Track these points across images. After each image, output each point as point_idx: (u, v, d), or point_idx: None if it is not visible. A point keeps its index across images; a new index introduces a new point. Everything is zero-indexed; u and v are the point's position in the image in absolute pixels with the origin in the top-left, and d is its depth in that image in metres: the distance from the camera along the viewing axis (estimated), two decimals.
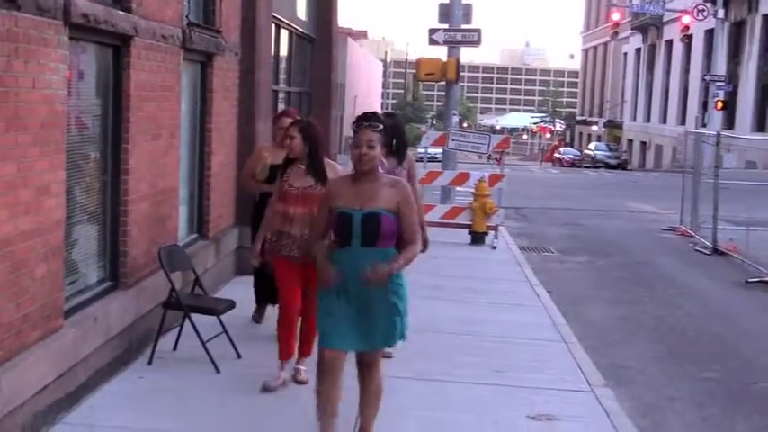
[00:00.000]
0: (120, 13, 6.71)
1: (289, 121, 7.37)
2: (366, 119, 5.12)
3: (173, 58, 8.01)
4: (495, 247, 14.22)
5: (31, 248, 5.47)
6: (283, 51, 13.91)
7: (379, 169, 5.24)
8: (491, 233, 14.47)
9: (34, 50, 5.33)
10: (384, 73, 73.65)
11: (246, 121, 10.61)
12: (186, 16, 8.39)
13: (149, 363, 6.94)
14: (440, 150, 18.12)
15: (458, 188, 16.43)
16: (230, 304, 7.23)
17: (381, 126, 5.11)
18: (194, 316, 7.06)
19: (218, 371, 6.81)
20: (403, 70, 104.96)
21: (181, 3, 8.17)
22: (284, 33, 13.69)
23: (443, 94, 19.20)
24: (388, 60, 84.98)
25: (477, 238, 14.39)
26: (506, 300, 10.35)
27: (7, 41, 5.00)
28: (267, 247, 6.69)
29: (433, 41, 17.27)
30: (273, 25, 12.21)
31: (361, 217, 5.01)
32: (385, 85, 75.54)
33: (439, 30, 17.23)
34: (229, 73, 10.11)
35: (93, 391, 6.27)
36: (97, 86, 6.92)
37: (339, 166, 6.76)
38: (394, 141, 7.12)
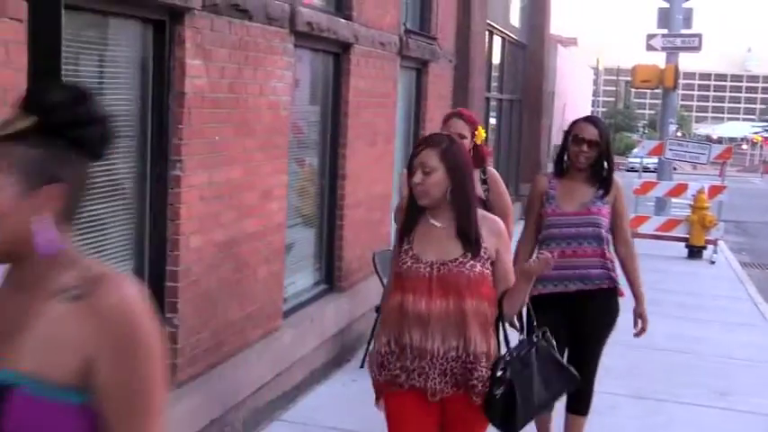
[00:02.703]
0: (342, 21, 6.85)
1: (461, 123, 5.11)
2: None
3: (390, 65, 8.10)
4: (713, 262, 13.52)
5: (255, 250, 5.65)
6: (496, 58, 13.85)
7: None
8: (710, 247, 13.78)
9: (262, 58, 5.51)
10: (595, 81, 72.15)
11: None
12: (403, 24, 8.47)
13: (361, 366, 7.00)
14: (654, 160, 17.47)
15: (673, 199, 15.76)
16: None
17: None
18: None
19: None
20: (614, 77, 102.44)
21: (398, 10, 8.26)
22: (497, 40, 13.63)
23: (656, 102, 18.62)
24: (600, 68, 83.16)
25: (695, 252, 13.73)
26: (727, 318, 9.78)
27: (239, 50, 5.19)
28: (375, 370, 3.72)
29: (650, 47, 16.62)
30: (487, 32, 12.17)
31: None
32: (595, 93, 73.96)
33: (657, 35, 16.57)
34: (443, 80, 10.14)
35: (308, 391, 6.40)
36: (317, 92, 7.10)
37: (499, 222, 3.72)
38: (605, 163, 4.87)
